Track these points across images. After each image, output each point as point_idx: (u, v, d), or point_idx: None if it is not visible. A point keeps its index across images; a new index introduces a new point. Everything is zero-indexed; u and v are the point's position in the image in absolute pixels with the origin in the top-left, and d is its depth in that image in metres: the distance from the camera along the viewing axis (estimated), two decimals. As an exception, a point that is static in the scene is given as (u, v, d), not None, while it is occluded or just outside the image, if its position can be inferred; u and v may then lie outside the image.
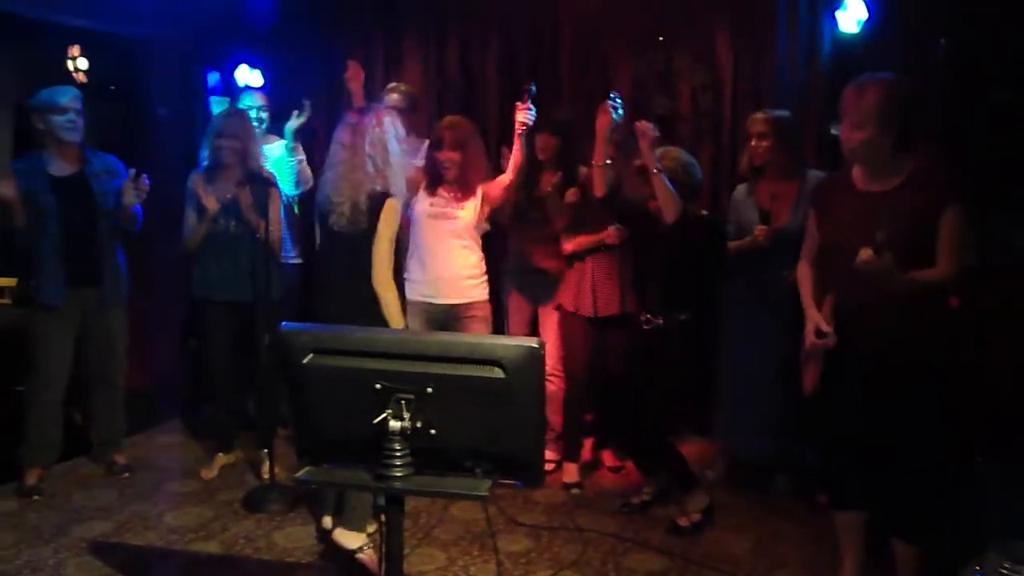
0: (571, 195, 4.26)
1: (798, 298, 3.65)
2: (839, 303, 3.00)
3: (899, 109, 2.88)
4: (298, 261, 5.01)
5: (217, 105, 5.28)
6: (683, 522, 3.88)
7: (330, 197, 3.54)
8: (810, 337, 3.07)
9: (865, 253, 2.73)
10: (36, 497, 4.19)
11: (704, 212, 3.95)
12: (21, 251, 4.24)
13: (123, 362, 4.52)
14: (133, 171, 4.20)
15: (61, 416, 4.40)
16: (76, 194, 4.21)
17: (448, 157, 4.00)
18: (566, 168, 4.33)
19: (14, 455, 4.30)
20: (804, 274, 3.28)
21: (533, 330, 4.65)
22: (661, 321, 3.85)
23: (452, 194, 4.07)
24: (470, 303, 4.09)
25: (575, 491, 4.37)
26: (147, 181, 4.18)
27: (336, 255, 3.59)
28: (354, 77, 4.37)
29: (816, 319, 3.07)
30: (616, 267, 4.26)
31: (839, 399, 3.05)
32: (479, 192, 4.10)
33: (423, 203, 4.08)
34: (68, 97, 4.18)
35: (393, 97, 4.74)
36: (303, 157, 4.89)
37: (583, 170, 4.32)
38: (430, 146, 4.12)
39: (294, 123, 4.79)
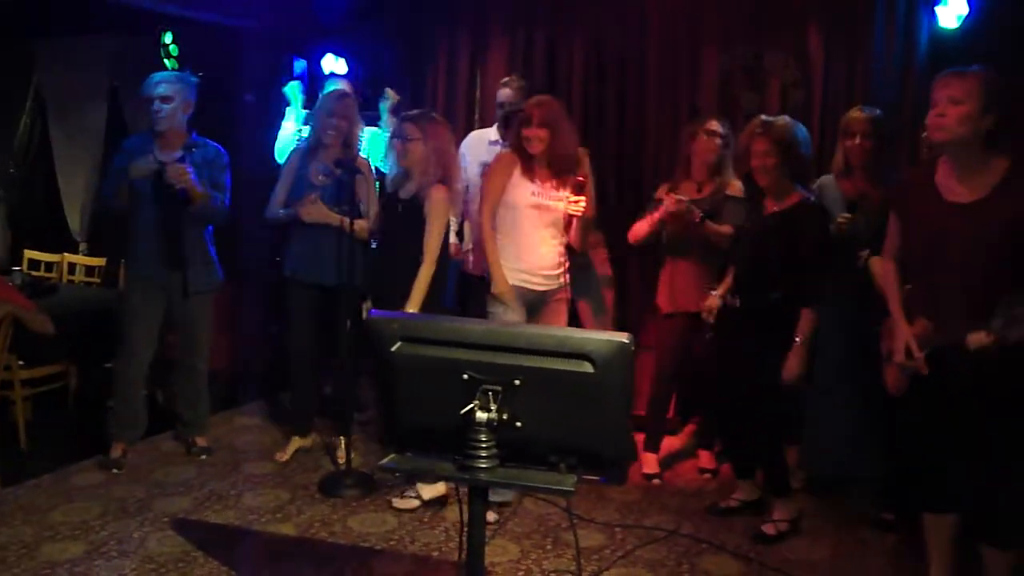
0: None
1: (876, 295, 3.59)
2: (932, 331, 2.88)
3: (1000, 98, 2.73)
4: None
5: (292, 91, 5.34)
6: (769, 530, 3.79)
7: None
8: (899, 355, 2.96)
9: (976, 338, 2.66)
10: (116, 471, 4.31)
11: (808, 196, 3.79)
12: (118, 229, 4.34)
13: (206, 348, 4.59)
14: (173, 159, 4.19)
15: (143, 394, 4.51)
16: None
17: (535, 134, 3.94)
18: None
19: (102, 430, 4.43)
20: (889, 275, 3.12)
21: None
22: (737, 303, 3.77)
23: (550, 182, 4.02)
24: (558, 288, 4.12)
25: (655, 481, 4.37)
26: (187, 168, 4.15)
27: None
28: None
29: (907, 338, 2.94)
30: (703, 264, 4.24)
31: (930, 400, 2.95)
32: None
33: (523, 190, 4.01)
34: (149, 86, 4.23)
35: (505, 92, 4.76)
36: None
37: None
38: (519, 124, 4.05)
39: (388, 102, 4.83)
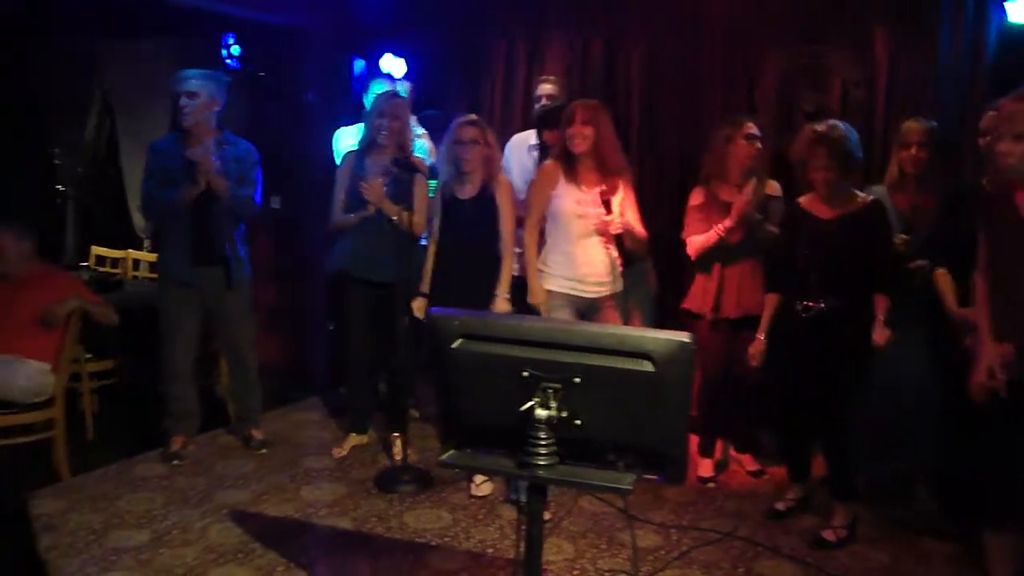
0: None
1: (941, 308, 3.54)
2: (1016, 358, 2.82)
3: None
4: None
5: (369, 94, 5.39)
6: (829, 536, 3.72)
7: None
8: (980, 375, 2.90)
9: None
10: (176, 462, 4.40)
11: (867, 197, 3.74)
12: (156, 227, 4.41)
13: (250, 342, 4.64)
14: (187, 154, 4.25)
15: (194, 388, 4.59)
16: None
17: (579, 131, 3.93)
18: None
19: (162, 423, 4.54)
20: (979, 290, 3.06)
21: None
22: (822, 305, 3.69)
23: (597, 187, 3.98)
24: (610, 294, 4.10)
25: (710, 484, 4.35)
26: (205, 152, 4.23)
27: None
28: None
29: (992, 360, 2.87)
30: (747, 268, 4.19)
31: (1001, 415, 2.88)
32: (620, 193, 4.04)
33: (568, 199, 4.00)
34: (177, 82, 4.31)
35: (546, 88, 4.77)
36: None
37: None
38: (564, 124, 4.02)
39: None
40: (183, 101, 4.27)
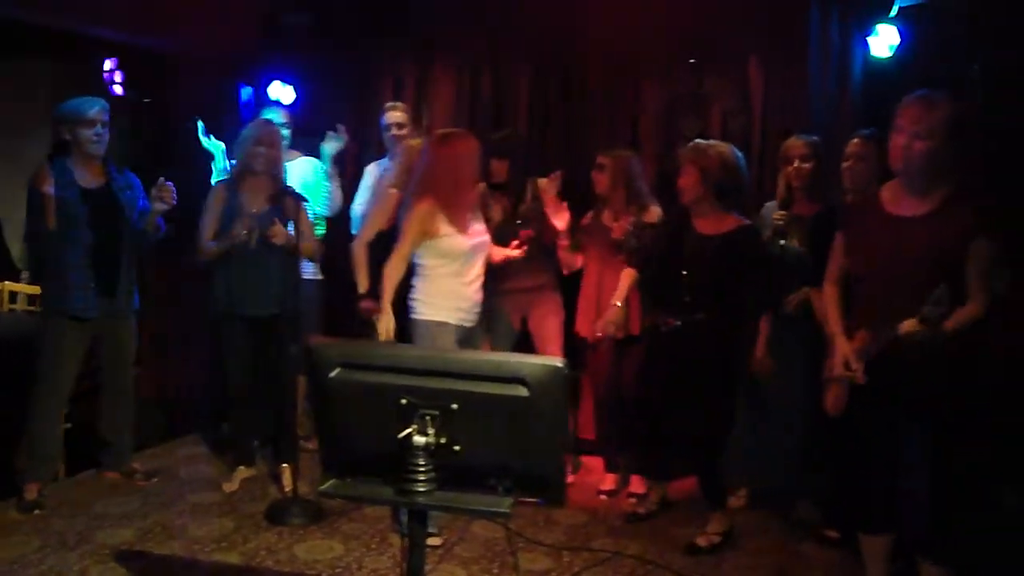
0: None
1: (817, 320, 3.69)
2: (871, 340, 2.96)
3: (961, 129, 2.84)
4: (318, 277, 4.95)
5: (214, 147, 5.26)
6: (702, 541, 3.87)
7: None
8: (838, 368, 3.05)
9: (909, 325, 2.76)
10: (38, 511, 4.12)
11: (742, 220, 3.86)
12: (48, 258, 4.23)
13: (131, 372, 4.53)
14: (161, 179, 4.22)
15: (61, 430, 4.37)
16: (105, 206, 4.22)
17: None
18: (516, 190, 4.53)
19: (10, 469, 4.29)
20: (831, 296, 3.23)
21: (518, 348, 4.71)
22: (679, 324, 3.82)
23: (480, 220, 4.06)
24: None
25: (602, 497, 4.51)
26: (171, 186, 4.21)
27: None
28: None
29: (846, 352, 3.03)
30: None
31: (866, 421, 3.03)
32: None
33: (461, 238, 3.89)
34: (96, 109, 4.17)
35: (395, 116, 4.81)
36: (338, 182, 4.96)
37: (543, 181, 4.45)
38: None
39: (331, 146, 4.85)
40: (99, 130, 4.16)
